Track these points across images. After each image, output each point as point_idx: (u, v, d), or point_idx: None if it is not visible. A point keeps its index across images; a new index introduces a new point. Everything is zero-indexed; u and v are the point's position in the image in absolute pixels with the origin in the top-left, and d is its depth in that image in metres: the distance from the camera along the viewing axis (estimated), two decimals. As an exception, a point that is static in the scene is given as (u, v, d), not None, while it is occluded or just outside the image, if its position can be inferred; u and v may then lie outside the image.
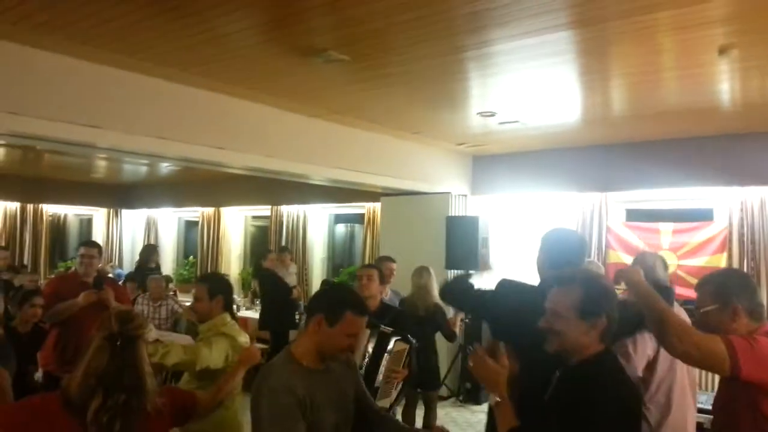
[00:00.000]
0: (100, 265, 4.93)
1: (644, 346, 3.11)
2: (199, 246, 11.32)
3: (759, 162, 5.92)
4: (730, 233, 6.08)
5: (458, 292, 3.09)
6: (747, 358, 2.01)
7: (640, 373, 3.15)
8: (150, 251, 9.18)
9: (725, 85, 4.49)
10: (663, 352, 3.12)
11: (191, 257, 11.85)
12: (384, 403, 3.49)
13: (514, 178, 7.44)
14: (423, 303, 5.09)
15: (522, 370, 2.20)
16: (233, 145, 5.16)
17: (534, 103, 5.17)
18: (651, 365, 3.10)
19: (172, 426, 2.18)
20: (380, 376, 3.61)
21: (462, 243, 6.83)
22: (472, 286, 3.05)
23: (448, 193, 7.40)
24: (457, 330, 5.57)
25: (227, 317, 3.28)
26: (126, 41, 3.81)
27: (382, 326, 3.72)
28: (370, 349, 3.59)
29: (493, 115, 5.51)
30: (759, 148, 5.91)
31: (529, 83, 4.57)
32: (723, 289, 2.23)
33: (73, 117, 4.13)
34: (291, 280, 8.15)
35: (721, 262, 6.07)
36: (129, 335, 1.91)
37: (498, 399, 2.05)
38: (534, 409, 2.03)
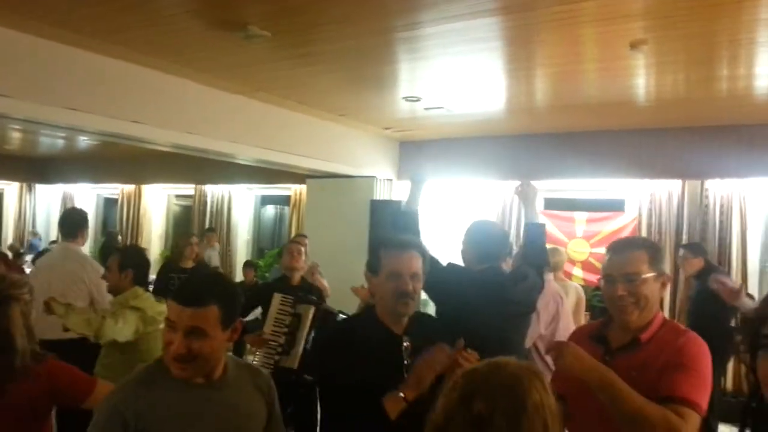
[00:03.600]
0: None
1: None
2: (118, 224, 10.95)
3: (668, 157, 6.23)
4: (640, 223, 6.39)
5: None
6: None
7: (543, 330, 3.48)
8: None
9: (640, 80, 4.68)
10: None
11: (109, 236, 11.42)
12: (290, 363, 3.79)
13: (440, 165, 7.53)
14: None
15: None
16: (154, 119, 4.97)
17: (459, 90, 5.23)
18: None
19: (52, 400, 2.05)
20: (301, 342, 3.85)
21: (385, 227, 6.87)
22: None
23: (374, 177, 7.42)
24: None
25: (139, 290, 3.24)
26: (39, 6, 3.60)
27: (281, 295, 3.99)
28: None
29: (418, 100, 5.55)
30: (669, 143, 6.22)
31: (455, 69, 4.61)
32: (658, 257, 1.99)
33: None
34: (214, 260, 8.08)
35: (631, 251, 6.36)
36: (2, 295, 1.96)
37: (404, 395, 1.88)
38: None
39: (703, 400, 1.78)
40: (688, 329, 1.96)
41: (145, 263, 3.40)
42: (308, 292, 4.16)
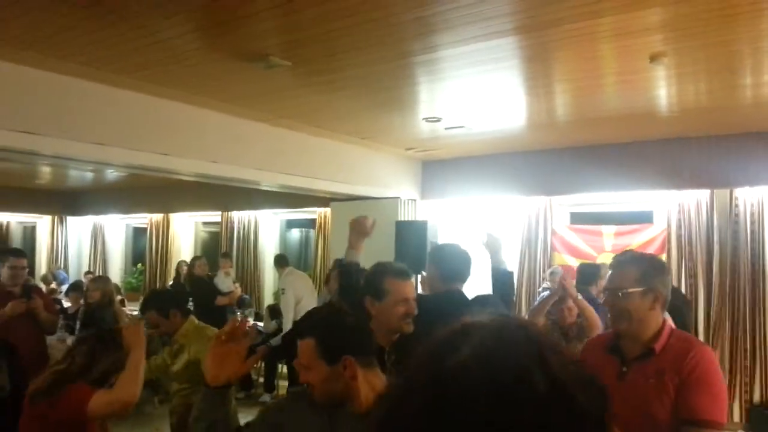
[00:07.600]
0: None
1: None
2: (147, 253, 11.10)
3: (696, 166, 6.14)
4: (669, 235, 6.28)
5: None
6: None
7: None
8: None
9: (661, 90, 4.64)
10: None
11: (140, 264, 11.60)
12: None
13: (463, 183, 7.53)
14: None
15: None
16: (179, 151, 5.07)
17: (479, 109, 5.23)
18: None
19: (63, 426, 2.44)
20: None
21: (411, 247, 6.86)
22: None
23: (398, 197, 7.44)
24: None
25: (193, 320, 3.47)
26: (63, 46, 3.71)
27: None
28: None
29: (439, 120, 5.57)
30: (695, 152, 6.13)
31: (474, 88, 4.63)
32: (648, 274, 2.08)
33: (11, 124, 3.99)
34: (227, 284, 8.02)
35: (662, 262, 6.26)
36: None
37: None
38: None
39: (722, 414, 1.94)
40: (695, 340, 2.14)
41: (176, 295, 3.59)
42: None
